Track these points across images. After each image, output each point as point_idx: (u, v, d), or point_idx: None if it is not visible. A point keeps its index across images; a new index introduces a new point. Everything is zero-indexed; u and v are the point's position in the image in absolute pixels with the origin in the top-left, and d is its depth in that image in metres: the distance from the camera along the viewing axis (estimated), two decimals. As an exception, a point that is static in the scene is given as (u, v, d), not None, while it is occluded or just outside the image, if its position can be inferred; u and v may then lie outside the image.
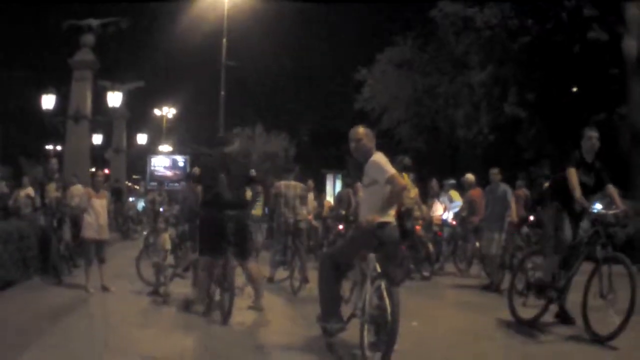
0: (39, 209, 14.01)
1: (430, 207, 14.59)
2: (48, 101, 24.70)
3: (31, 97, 30.84)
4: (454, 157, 33.59)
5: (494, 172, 12.38)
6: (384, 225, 6.53)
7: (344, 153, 42.63)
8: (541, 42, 24.68)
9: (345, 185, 14.64)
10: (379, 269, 6.41)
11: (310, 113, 48.09)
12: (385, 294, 6.14)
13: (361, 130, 7.03)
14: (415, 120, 35.51)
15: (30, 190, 16.52)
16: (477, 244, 12.91)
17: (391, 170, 6.61)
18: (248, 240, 9.40)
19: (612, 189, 8.15)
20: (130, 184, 47.44)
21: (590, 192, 8.18)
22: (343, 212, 13.12)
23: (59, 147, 34.66)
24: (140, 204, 27.61)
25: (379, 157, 6.80)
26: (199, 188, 11.26)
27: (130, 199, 30.38)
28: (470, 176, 13.60)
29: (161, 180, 32.02)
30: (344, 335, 6.96)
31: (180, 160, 45.41)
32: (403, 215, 6.82)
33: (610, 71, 22.75)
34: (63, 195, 13.35)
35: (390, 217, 6.64)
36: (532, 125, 26.95)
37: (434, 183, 15.44)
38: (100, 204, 11.10)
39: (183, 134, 52.97)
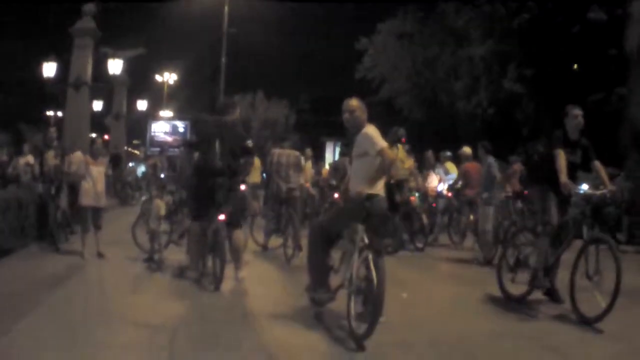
0: (38, 177, 14.07)
1: (425, 178, 14.67)
2: (49, 69, 24.74)
3: (32, 65, 30.78)
4: (453, 129, 33.59)
5: (464, 150, 12.77)
6: (372, 197, 6.63)
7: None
8: (541, 21, 24.63)
9: (341, 154, 14.67)
10: (366, 240, 6.47)
11: (311, 81, 48.02)
12: (372, 265, 6.19)
13: (354, 102, 7.13)
14: (415, 91, 35.51)
15: (29, 158, 16.61)
16: (472, 216, 12.97)
17: (382, 143, 6.71)
18: (237, 209, 9.34)
19: (598, 166, 8.09)
20: (130, 149, 47.45)
21: (577, 169, 8.22)
22: (334, 183, 13.14)
23: (59, 114, 34.62)
24: (141, 170, 27.65)
25: (371, 130, 6.90)
26: (196, 155, 11.38)
27: (130, 164, 30.43)
28: (466, 149, 13.63)
29: (162, 146, 32.13)
30: (332, 305, 7.11)
31: (181, 125, 45.32)
32: (392, 188, 6.92)
33: (609, 52, 22.68)
34: (61, 163, 13.42)
35: (379, 189, 6.74)
36: (530, 101, 26.95)
37: (429, 154, 15.51)
38: (98, 171, 11.20)
39: (183, 101, 52.86)
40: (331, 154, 32.75)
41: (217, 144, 9.09)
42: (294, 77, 47.91)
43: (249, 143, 9.48)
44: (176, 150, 38.62)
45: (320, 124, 45.36)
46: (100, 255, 11.04)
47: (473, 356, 6.16)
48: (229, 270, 9.02)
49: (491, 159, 12.08)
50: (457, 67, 32.16)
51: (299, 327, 6.88)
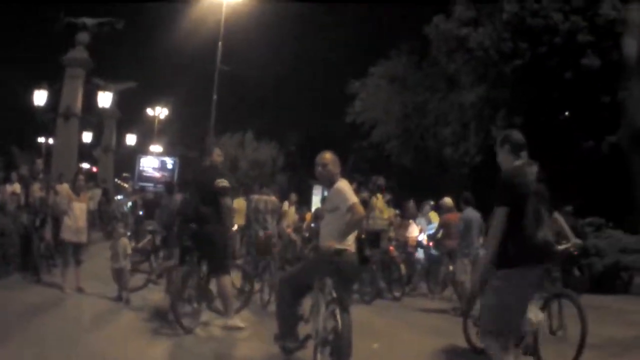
0: (23, 206, 14.18)
1: (406, 227, 14.82)
2: (40, 97, 24.94)
3: (25, 90, 31.02)
4: (441, 176, 33.76)
5: (446, 201, 13.11)
6: (341, 251, 6.70)
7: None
8: (534, 66, 24.87)
9: (322, 202, 14.84)
10: (334, 294, 6.58)
11: (301, 123, 48.31)
12: (338, 318, 6.31)
13: (327, 155, 7.25)
14: (404, 136, 35.73)
15: (16, 187, 16.67)
16: (451, 267, 13.09)
17: (353, 198, 6.83)
18: (221, 256, 9.23)
19: (559, 220, 7.95)
20: (119, 181, 47.53)
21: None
22: (307, 235, 13.26)
23: (50, 141, 34.86)
24: (129, 203, 27.84)
25: (343, 185, 7.03)
26: (178, 197, 11.53)
27: (118, 197, 30.52)
28: (447, 200, 13.80)
29: (143, 187, 32.38)
30: (301, 353, 7.20)
31: (169, 162, 45.51)
32: (363, 242, 7.05)
33: (601, 99, 22.96)
34: (47, 195, 13.55)
35: (349, 243, 6.84)
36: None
37: (411, 204, 15.71)
38: (80, 207, 11.37)
39: (173, 135, 53.09)
40: (319, 196, 32.83)
41: (193, 189, 9.22)
42: (284, 119, 48.18)
43: (221, 182, 9.13)
44: (159, 186, 38.56)
45: (308, 166, 45.45)
46: (79, 290, 11.18)
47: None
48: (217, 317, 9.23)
49: (472, 212, 12.27)
50: (447, 113, 32.36)
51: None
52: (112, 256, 11.07)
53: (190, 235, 9.29)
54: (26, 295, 10.64)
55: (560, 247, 7.72)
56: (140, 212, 16.89)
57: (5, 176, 17.71)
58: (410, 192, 38.48)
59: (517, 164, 5.85)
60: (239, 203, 15.54)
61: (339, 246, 6.67)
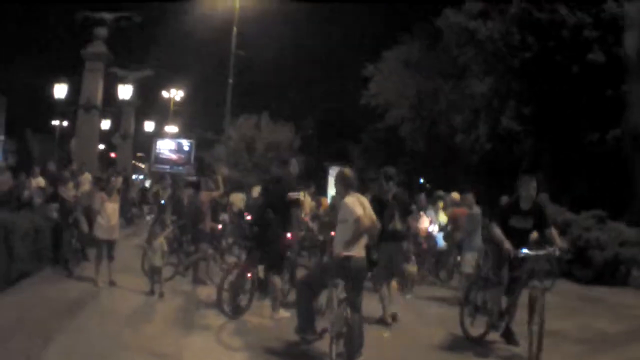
0: (50, 201, 14.83)
1: (416, 220, 15.51)
2: (60, 90, 25.71)
3: (40, 74, 31.53)
4: (451, 162, 34.29)
5: (453, 196, 14.30)
6: (349, 258, 7.81)
7: (348, 146, 43.56)
8: (542, 60, 25.24)
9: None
10: (345, 295, 7.71)
11: (316, 105, 48.65)
12: (350, 316, 7.52)
13: (344, 171, 8.38)
14: (417, 121, 36.22)
15: (40, 181, 17.38)
16: (458, 258, 13.86)
17: (359, 212, 7.84)
18: (278, 259, 10.28)
19: (553, 233, 8.90)
20: (135, 162, 48.15)
21: (529, 233, 9.16)
22: (320, 239, 13.93)
23: (65, 123, 35.39)
24: (146, 183, 28.68)
25: (351, 200, 8.07)
26: (204, 195, 12.38)
27: (134, 177, 31.20)
28: (455, 195, 14.67)
29: (161, 172, 33.01)
30: (319, 343, 8.25)
31: (186, 144, 45.84)
32: (370, 249, 8.14)
33: (606, 93, 23.35)
34: (78, 194, 14.35)
35: (359, 250, 7.93)
36: (527, 137, 27.47)
37: (422, 197, 16.39)
38: (112, 207, 12.17)
39: (189, 117, 53.49)
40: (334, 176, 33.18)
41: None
42: (300, 101, 48.51)
43: (294, 195, 10.42)
44: (180, 168, 39.09)
45: (324, 148, 46.09)
46: (112, 283, 11.98)
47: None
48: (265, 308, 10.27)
49: (477, 209, 13.09)
50: (459, 100, 32.78)
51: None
52: (148, 254, 11.84)
53: (253, 237, 10.45)
54: (61, 290, 11.31)
55: (541, 253, 8.69)
56: (162, 202, 17.61)
57: (27, 171, 18.37)
58: (421, 174, 39.46)
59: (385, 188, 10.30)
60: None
61: (347, 253, 7.77)
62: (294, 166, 11.24)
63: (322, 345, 8.11)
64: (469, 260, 12.70)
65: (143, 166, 51.17)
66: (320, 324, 8.37)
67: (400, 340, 9.49)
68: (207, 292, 11.73)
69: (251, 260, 10.38)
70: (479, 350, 8.94)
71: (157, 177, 30.99)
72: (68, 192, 14.53)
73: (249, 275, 10.17)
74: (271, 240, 10.08)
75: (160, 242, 11.72)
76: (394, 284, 10.81)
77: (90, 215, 12.84)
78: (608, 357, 8.98)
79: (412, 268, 12.59)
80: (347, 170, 8.42)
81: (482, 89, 28.90)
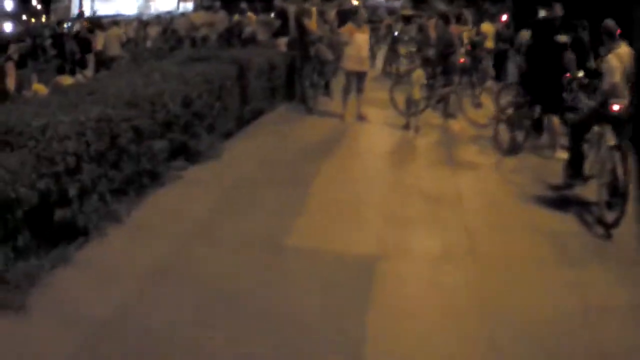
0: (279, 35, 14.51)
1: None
2: None
3: None
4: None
5: None
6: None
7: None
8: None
9: None
10: (614, 142, 7.00)
11: None
12: (619, 163, 6.75)
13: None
14: None
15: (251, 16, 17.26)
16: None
17: None
18: (556, 100, 9.66)
19: None
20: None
21: None
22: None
23: None
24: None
25: None
26: (454, 28, 11.76)
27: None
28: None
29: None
30: (580, 191, 7.72)
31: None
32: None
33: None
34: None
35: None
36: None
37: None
38: (363, 38, 11.53)
39: None
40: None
41: None
42: None
43: (562, 37, 9.66)
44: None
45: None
46: (360, 117, 11.47)
47: None
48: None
49: None
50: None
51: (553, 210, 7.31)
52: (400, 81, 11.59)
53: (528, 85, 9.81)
54: (309, 126, 11.05)
55: None
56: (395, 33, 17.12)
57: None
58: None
59: None
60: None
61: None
62: (559, 7, 10.32)
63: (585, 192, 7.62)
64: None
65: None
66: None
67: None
68: (459, 126, 11.27)
69: (526, 101, 9.75)
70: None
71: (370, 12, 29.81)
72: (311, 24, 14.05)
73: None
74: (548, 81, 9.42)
75: (418, 74, 11.20)
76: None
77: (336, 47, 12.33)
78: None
79: None
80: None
81: None
